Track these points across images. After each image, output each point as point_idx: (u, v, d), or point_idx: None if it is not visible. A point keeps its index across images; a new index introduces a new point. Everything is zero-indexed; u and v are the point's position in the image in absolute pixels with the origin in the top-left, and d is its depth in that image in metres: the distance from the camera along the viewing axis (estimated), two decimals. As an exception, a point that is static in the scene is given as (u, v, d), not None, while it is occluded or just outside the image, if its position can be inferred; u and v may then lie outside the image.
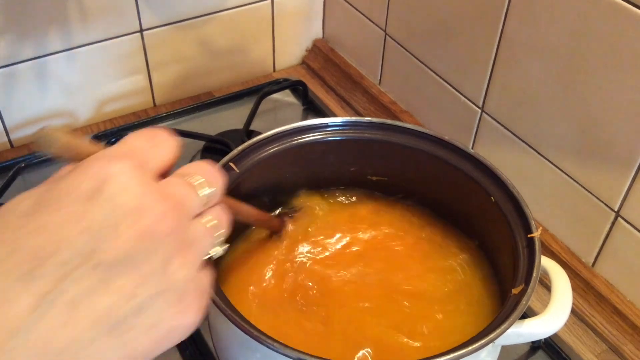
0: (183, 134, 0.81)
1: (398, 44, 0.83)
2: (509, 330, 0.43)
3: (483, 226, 0.56)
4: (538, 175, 0.68)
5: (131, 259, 0.27)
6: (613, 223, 0.62)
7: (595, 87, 0.59)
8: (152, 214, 0.27)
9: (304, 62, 0.99)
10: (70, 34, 0.79)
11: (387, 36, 0.84)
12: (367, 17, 0.87)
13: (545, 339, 0.61)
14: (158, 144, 0.31)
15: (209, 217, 0.32)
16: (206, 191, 0.31)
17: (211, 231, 0.32)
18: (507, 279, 0.50)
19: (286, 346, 0.41)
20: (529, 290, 0.45)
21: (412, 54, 0.81)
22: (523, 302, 0.44)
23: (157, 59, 0.86)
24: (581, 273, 0.66)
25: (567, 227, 0.68)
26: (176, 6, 0.84)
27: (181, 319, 0.29)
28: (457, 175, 0.56)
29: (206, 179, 0.32)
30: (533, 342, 0.61)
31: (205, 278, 0.30)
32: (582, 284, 0.66)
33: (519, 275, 0.47)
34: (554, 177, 0.66)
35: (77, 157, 0.30)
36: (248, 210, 0.48)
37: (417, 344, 0.50)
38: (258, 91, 0.88)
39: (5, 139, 0.82)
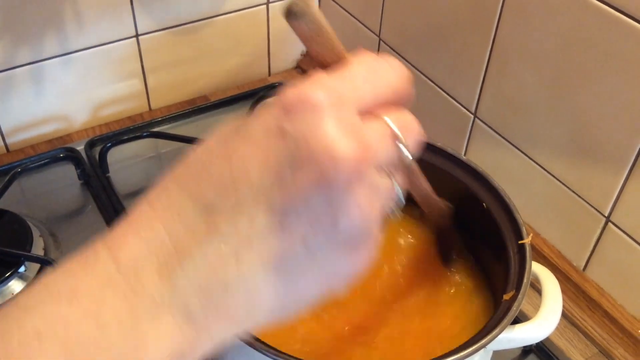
0: (178, 138, 0.82)
1: (392, 49, 0.83)
2: (500, 336, 0.44)
3: (474, 231, 0.57)
4: (530, 180, 0.69)
5: (306, 204, 0.25)
6: (603, 228, 0.63)
7: (586, 92, 0.59)
8: (337, 161, 0.25)
9: (298, 67, 1.00)
10: (66, 39, 0.79)
11: (381, 41, 0.85)
12: (361, 22, 0.88)
13: (537, 343, 0.62)
14: (376, 76, 0.28)
15: (393, 178, 0.29)
16: (403, 149, 0.28)
17: (392, 193, 0.29)
18: (498, 285, 0.51)
19: (283, 354, 0.41)
20: (519, 296, 0.45)
21: (406, 59, 0.82)
22: (514, 307, 0.44)
23: (152, 63, 0.87)
24: (572, 277, 0.67)
25: (559, 232, 0.69)
26: (172, 11, 0.84)
27: (351, 264, 0.28)
28: (449, 181, 0.56)
29: (409, 134, 0.28)
30: (525, 346, 0.62)
31: (377, 227, 0.28)
32: (573, 288, 0.67)
33: (510, 281, 0.48)
34: (545, 182, 0.67)
35: (318, 42, 0.28)
36: (424, 185, 0.42)
37: (409, 348, 0.50)
38: (253, 95, 0.88)
39: (2, 143, 0.82)
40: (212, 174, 0.26)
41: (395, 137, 0.28)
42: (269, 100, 0.27)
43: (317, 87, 0.26)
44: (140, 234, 0.26)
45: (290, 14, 0.27)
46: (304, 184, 0.25)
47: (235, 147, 0.26)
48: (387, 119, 0.28)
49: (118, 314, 0.24)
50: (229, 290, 0.26)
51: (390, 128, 0.28)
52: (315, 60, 0.29)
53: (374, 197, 0.27)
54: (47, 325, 0.24)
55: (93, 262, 0.26)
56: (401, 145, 0.28)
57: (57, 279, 0.26)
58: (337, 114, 0.25)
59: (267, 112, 0.26)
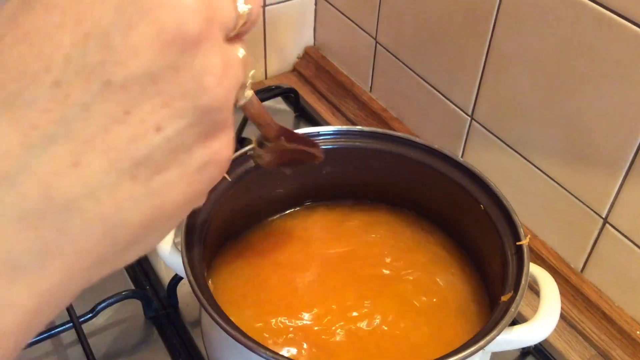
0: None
1: (388, 51, 0.83)
2: (498, 337, 0.43)
3: (472, 233, 0.56)
4: (527, 182, 0.69)
5: (154, 75, 0.19)
6: (601, 229, 0.63)
7: (583, 95, 0.59)
8: (179, 11, 0.19)
9: (295, 70, 1.00)
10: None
11: (377, 44, 0.85)
12: (357, 25, 0.88)
13: (535, 345, 0.62)
14: None
15: (241, 47, 0.24)
16: (244, 7, 0.23)
17: (244, 63, 0.24)
18: (496, 286, 0.51)
19: (278, 354, 0.41)
20: (517, 297, 0.45)
21: (403, 62, 0.82)
22: (512, 309, 0.44)
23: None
24: (570, 279, 0.67)
25: (556, 234, 0.69)
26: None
27: (219, 151, 0.22)
28: (446, 183, 0.56)
29: None
30: (523, 348, 0.62)
31: (232, 106, 0.23)
32: (571, 290, 0.67)
33: (508, 282, 0.48)
34: (542, 184, 0.67)
35: None
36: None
37: (407, 350, 0.50)
38: (250, 99, 0.88)
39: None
40: (7, 62, 0.19)
41: None
42: None
43: None
44: None
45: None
46: (142, 44, 0.19)
47: (30, 20, 0.19)
48: None
49: None
50: (73, 213, 0.19)
51: None
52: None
53: (227, 66, 0.22)
54: None
55: None
56: (243, 4, 0.23)
57: None
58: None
59: None
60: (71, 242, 0.19)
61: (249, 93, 0.28)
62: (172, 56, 0.20)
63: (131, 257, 0.23)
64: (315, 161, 0.45)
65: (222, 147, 0.23)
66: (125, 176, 0.20)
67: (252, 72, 0.26)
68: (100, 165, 0.19)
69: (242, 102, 0.28)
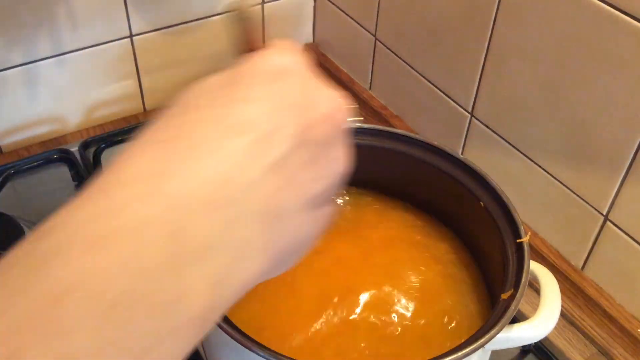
0: (173, 139, 0.81)
1: (388, 49, 0.83)
2: (499, 335, 0.43)
3: (473, 231, 0.56)
4: (527, 179, 0.69)
5: (327, 143, 0.26)
6: (602, 227, 0.63)
7: (583, 91, 0.59)
8: (338, 103, 0.27)
9: (294, 67, 0.99)
10: (59, 40, 0.78)
11: (377, 41, 0.85)
12: (357, 22, 0.87)
13: (535, 343, 0.62)
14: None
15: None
16: (350, 121, 0.30)
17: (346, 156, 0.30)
18: (496, 283, 0.51)
19: (277, 353, 0.41)
20: (518, 295, 0.45)
21: (402, 59, 0.81)
22: (512, 307, 0.44)
23: (147, 64, 0.86)
24: (571, 276, 0.66)
25: (557, 231, 0.68)
26: (166, 11, 0.83)
27: (321, 221, 0.28)
28: (446, 180, 0.56)
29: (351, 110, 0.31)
30: (523, 346, 0.62)
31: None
32: (572, 288, 0.66)
33: (508, 280, 0.47)
34: (543, 181, 0.67)
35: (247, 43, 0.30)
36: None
37: (407, 348, 0.50)
38: (248, 96, 0.88)
39: (-5, 145, 0.82)
40: (239, 114, 0.25)
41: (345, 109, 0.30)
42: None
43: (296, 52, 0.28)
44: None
45: (240, 18, 0.31)
46: (320, 120, 0.26)
47: (235, 91, 0.26)
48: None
49: (160, 260, 0.21)
50: (276, 218, 0.25)
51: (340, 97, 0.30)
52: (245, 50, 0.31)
53: (346, 158, 0.29)
54: (76, 278, 0.20)
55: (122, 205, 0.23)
56: (350, 119, 0.30)
57: (75, 222, 0.22)
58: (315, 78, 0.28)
59: (258, 61, 0.27)
60: (276, 242, 0.25)
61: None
62: (334, 132, 0.27)
63: (278, 270, 0.28)
64: None
65: (327, 215, 0.29)
66: (304, 206, 0.26)
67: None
68: (294, 196, 0.26)
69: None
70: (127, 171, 0.24)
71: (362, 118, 0.31)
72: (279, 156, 0.25)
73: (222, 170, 0.24)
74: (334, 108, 0.27)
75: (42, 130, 0.84)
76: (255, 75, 0.27)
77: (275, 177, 0.25)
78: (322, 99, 0.27)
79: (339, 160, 0.28)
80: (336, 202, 0.31)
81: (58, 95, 0.82)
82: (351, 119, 0.30)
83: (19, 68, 0.78)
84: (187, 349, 0.23)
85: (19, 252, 0.22)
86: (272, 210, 0.25)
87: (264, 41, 0.31)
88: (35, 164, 0.79)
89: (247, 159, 0.24)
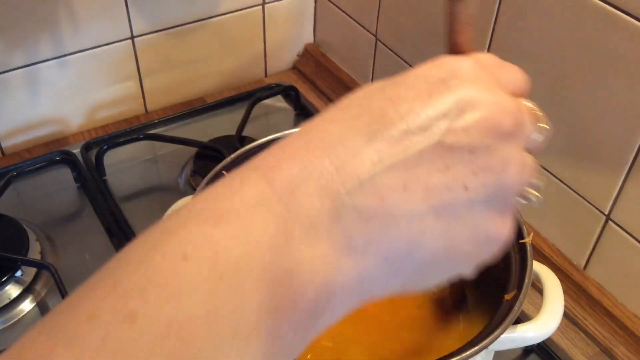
0: (175, 140, 0.81)
1: (389, 49, 0.83)
2: (502, 336, 0.43)
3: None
4: (529, 179, 0.69)
5: (473, 148, 0.25)
6: (604, 226, 0.63)
7: (585, 91, 0.59)
8: (498, 107, 0.26)
9: (295, 67, 1.00)
10: (61, 41, 0.78)
11: (377, 41, 0.85)
12: (357, 22, 0.87)
13: (538, 342, 0.62)
14: (509, 71, 0.29)
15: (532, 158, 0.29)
16: (538, 136, 0.29)
17: (533, 168, 0.29)
18: (499, 284, 0.51)
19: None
20: (521, 296, 0.45)
21: (403, 59, 0.81)
22: (515, 308, 0.44)
23: (148, 65, 0.86)
24: (573, 276, 0.67)
25: (559, 231, 0.68)
26: (167, 13, 0.84)
27: (501, 229, 0.27)
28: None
29: (542, 114, 0.30)
30: (526, 346, 0.62)
31: (519, 198, 0.29)
32: (574, 287, 0.66)
33: (511, 280, 0.47)
34: (545, 181, 0.67)
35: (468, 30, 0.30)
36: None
37: (410, 349, 0.50)
38: (250, 97, 0.88)
39: (-3, 147, 0.82)
40: (374, 111, 0.25)
41: (536, 115, 0.29)
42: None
43: (473, 61, 0.27)
44: (295, 159, 0.24)
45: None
46: (469, 124, 0.25)
47: (395, 92, 0.26)
48: (528, 102, 0.29)
49: (271, 236, 0.23)
50: (393, 222, 0.24)
51: (534, 110, 0.29)
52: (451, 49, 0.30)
53: (525, 165, 0.27)
54: (193, 246, 0.22)
55: (240, 184, 0.24)
56: (541, 127, 0.29)
57: (200, 202, 0.24)
58: (493, 80, 0.27)
59: (425, 68, 0.27)
60: (384, 242, 0.24)
61: (538, 196, 0.31)
62: (489, 140, 0.25)
63: (408, 285, 0.27)
64: None
65: (505, 227, 0.27)
66: (432, 212, 0.25)
67: (540, 185, 0.30)
68: (418, 195, 0.25)
69: (532, 200, 0.30)
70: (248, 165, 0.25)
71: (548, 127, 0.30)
72: (401, 155, 0.24)
73: (336, 162, 0.24)
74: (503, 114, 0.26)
75: (44, 132, 0.84)
76: (419, 78, 0.26)
77: (396, 174, 0.24)
78: (495, 107, 0.26)
79: (505, 174, 0.26)
80: (507, 225, 0.27)
81: (60, 97, 0.82)
82: (539, 134, 0.29)
83: (21, 70, 0.78)
84: (297, 339, 0.23)
85: (149, 230, 0.23)
86: (382, 207, 0.24)
87: (466, 39, 0.30)
88: (38, 165, 0.79)
89: (369, 146, 0.24)
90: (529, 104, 0.29)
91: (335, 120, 0.26)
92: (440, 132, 0.25)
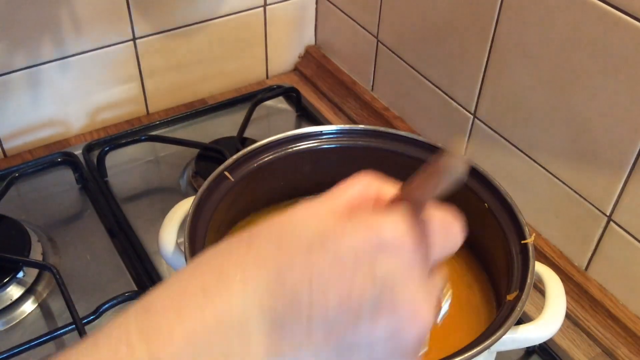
0: (176, 141, 0.81)
1: (390, 50, 0.83)
2: (504, 337, 0.43)
3: (477, 232, 0.56)
4: (530, 180, 0.69)
5: (371, 349, 0.26)
6: (605, 227, 0.63)
7: (585, 92, 0.59)
8: (418, 326, 0.26)
9: (296, 69, 1.00)
10: (63, 43, 0.79)
11: (379, 43, 0.85)
12: (359, 24, 0.88)
13: (540, 343, 0.62)
14: (449, 238, 0.29)
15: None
16: (442, 313, 0.31)
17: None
18: (501, 284, 0.51)
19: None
20: (523, 296, 0.45)
21: (404, 61, 0.81)
22: (517, 308, 0.44)
23: (150, 67, 0.86)
24: (574, 277, 0.67)
25: (560, 232, 0.68)
26: (169, 14, 0.84)
27: None
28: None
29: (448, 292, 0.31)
30: (528, 347, 0.62)
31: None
32: (576, 288, 0.66)
33: (513, 281, 0.47)
34: (546, 181, 0.67)
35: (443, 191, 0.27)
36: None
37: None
38: (251, 98, 0.88)
39: (-1, 148, 0.82)
40: (286, 285, 0.24)
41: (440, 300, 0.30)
42: (366, 219, 0.26)
43: (413, 238, 0.26)
44: (185, 328, 0.23)
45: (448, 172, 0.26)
46: (379, 332, 0.25)
47: (319, 264, 0.25)
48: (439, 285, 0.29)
49: None
50: None
51: (440, 296, 0.29)
52: (412, 193, 0.28)
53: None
54: None
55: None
56: (443, 309, 0.31)
57: None
58: (423, 274, 0.27)
59: (360, 236, 0.25)
60: None
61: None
62: (395, 346, 0.26)
63: None
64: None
65: None
66: None
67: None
68: None
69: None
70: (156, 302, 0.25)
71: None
72: (292, 352, 0.24)
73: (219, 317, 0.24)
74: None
75: (45, 134, 0.84)
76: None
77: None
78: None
79: None
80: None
81: (62, 99, 0.83)
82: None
83: (23, 71, 0.78)
84: None
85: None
86: None
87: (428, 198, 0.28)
88: (39, 167, 0.79)
89: (255, 343, 0.24)
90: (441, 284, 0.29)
91: (243, 266, 0.25)
92: (343, 336, 0.25)
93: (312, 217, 0.27)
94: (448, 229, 0.29)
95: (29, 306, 0.65)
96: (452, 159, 0.26)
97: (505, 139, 0.70)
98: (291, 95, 0.91)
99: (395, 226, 0.26)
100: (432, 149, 0.57)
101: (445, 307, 0.30)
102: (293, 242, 0.26)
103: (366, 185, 0.29)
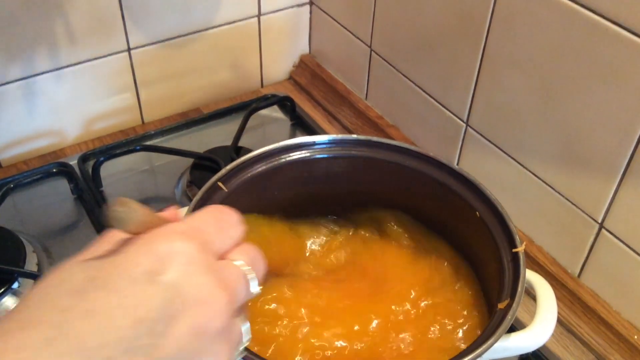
0: (171, 151, 0.82)
1: (383, 59, 0.84)
2: (496, 345, 0.43)
3: (469, 240, 0.57)
4: (523, 188, 0.69)
5: (182, 357, 0.25)
6: (597, 234, 0.63)
7: (576, 100, 0.60)
8: (210, 308, 0.26)
9: (291, 78, 1.00)
10: (58, 54, 0.79)
11: (372, 52, 0.85)
12: (352, 33, 0.88)
13: (533, 351, 0.62)
14: (225, 228, 0.29)
15: (244, 315, 0.30)
16: (254, 287, 0.30)
17: (244, 330, 0.30)
18: (493, 293, 0.51)
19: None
20: (514, 304, 0.45)
21: (397, 69, 0.82)
22: (509, 316, 0.45)
23: (145, 77, 0.87)
24: (567, 284, 0.67)
25: (553, 239, 0.69)
26: (163, 25, 0.84)
27: None
28: (442, 191, 0.56)
29: (253, 268, 0.30)
30: (521, 354, 0.62)
31: None
32: (568, 295, 0.67)
33: (505, 289, 0.48)
34: (538, 189, 0.67)
35: (145, 231, 0.28)
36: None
37: (404, 358, 0.50)
38: (246, 107, 0.88)
39: (-6, 159, 0.82)
40: (69, 335, 0.23)
41: (247, 279, 0.29)
42: (111, 234, 0.27)
43: (182, 235, 0.27)
44: None
45: (114, 221, 0.27)
46: (180, 334, 0.25)
47: (94, 299, 0.24)
48: (238, 262, 0.29)
49: None
50: None
51: (243, 270, 0.29)
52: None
53: (232, 343, 0.28)
54: None
55: None
56: (254, 283, 0.30)
57: None
58: (205, 261, 0.26)
59: (130, 259, 0.25)
60: None
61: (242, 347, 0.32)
62: (200, 343, 0.25)
63: None
64: None
65: None
66: None
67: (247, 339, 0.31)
68: None
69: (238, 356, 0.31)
70: None
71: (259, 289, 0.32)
72: None
73: None
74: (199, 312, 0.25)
75: (41, 144, 0.84)
76: (121, 276, 0.25)
77: None
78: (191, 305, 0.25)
79: None
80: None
81: (57, 109, 0.83)
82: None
83: (18, 82, 0.78)
84: None
85: None
86: None
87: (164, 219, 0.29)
88: (35, 177, 0.79)
89: None
90: (239, 263, 0.29)
91: (19, 348, 0.22)
92: (147, 350, 0.24)
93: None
94: (219, 218, 0.30)
95: (24, 317, 0.65)
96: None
97: (497, 147, 0.71)
98: (286, 104, 0.91)
99: (158, 237, 0.26)
100: (423, 158, 0.57)
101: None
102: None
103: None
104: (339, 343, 0.51)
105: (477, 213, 0.53)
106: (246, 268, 0.29)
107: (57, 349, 0.22)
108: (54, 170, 0.80)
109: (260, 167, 0.57)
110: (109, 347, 0.23)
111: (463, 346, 0.46)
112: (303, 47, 1.00)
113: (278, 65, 0.99)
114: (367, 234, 0.61)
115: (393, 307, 0.54)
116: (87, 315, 0.23)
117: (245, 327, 0.30)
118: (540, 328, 0.47)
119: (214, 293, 0.26)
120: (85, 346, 0.23)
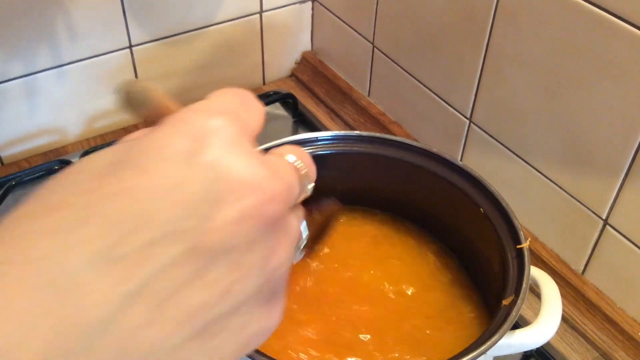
0: (174, 148, 0.81)
1: (386, 56, 0.83)
2: (500, 342, 0.43)
3: (472, 237, 0.56)
4: (527, 185, 0.69)
5: (232, 246, 0.21)
6: (601, 231, 0.63)
7: (581, 96, 0.59)
8: (261, 193, 0.22)
9: (293, 75, 1.00)
10: (59, 51, 0.79)
11: (374, 48, 0.85)
12: (354, 30, 0.88)
13: (537, 348, 0.62)
14: (250, 107, 0.25)
15: (300, 213, 0.26)
16: (309, 183, 0.26)
17: (301, 230, 0.26)
18: (497, 289, 0.51)
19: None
20: (519, 301, 0.45)
21: (400, 66, 0.82)
22: (513, 313, 0.44)
23: (146, 74, 0.87)
24: (571, 281, 0.67)
25: (557, 236, 0.68)
26: (165, 22, 0.84)
27: (270, 319, 0.24)
28: (446, 187, 0.56)
29: (307, 168, 0.26)
30: (525, 351, 0.62)
31: (286, 276, 0.25)
32: (573, 292, 0.66)
33: (509, 286, 0.47)
34: (542, 186, 0.67)
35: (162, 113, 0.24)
36: None
37: (408, 357, 0.50)
38: (248, 104, 0.88)
39: (-4, 156, 0.82)
40: (100, 217, 0.20)
41: (300, 173, 0.26)
42: (137, 132, 0.23)
43: (220, 113, 0.23)
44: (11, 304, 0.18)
45: (130, 104, 0.24)
46: (229, 219, 0.21)
47: (122, 179, 0.20)
48: (289, 156, 0.26)
49: None
50: None
51: (295, 165, 0.26)
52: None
53: (291, 238, 0.24)
54: None
55: None
56: (309, 180, 0.26)
57: None
58: (246, 141, 0.23)
59: (162, 140, 0.22)
60: None
61: (301, 254, 0.29)
62: (252, 234, 0.22)
63: None
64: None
65: (273, 317, 0.25)
66: (189, 337, 0.21)
67: (307, 234, 0.28)
68: (170, 326, 0.20)
69: (295, 261, 0.28)
70: None
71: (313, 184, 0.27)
72: (143, 279, 0.19)
73: (56, 315, 0.18)
74: (255, 198, 0.22)
75: (42, 142, 0.84)
76: (148, 157, 0.21)
77: (138, 307, 0.19)
78: (240, 186, 0.21)
79: (271, 263, 0.23)
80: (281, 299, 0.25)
81: (58, 106, 0.83)
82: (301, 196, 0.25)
83: (19, 80, 0.78)
84: None
85: None
86: (125, 354, 0.19)
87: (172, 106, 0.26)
88: (37, 175, 0.79)
89: (93, 286, 0.19)
90: (291, 158, 0.26)
91: (47, 232, 0.19)
92: (190, 235, 0.20)
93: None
94: (244, 100, 0.25)
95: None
96: None
97: (501, 144, 0.70)
98: (288, 101, 0.91)
99: (195, 115, 0.23)
100: (427, 154, 0.57)
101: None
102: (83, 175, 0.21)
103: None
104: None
105: (481, 209, 0.53)
106: (298, 162, 0.26)
107: (88, 233, 0.19)
108: (56, 167, 0.80)
109: (263, 164, 0.57)
110: (147, 229, 0.20)
111: (467, 343, 0.45)
112: (305, 44, 0.99)
113: (280, 62, 0.98)
114: (367, 230, 0.61)
115: (394, 302, 0.54)
116: (117, 198, 0.20)
117: (303, 225, 0.26)
118: (545, 325, 0.47)
119: (266, 178, 0.22)
120: (120, 228, 0.19)
